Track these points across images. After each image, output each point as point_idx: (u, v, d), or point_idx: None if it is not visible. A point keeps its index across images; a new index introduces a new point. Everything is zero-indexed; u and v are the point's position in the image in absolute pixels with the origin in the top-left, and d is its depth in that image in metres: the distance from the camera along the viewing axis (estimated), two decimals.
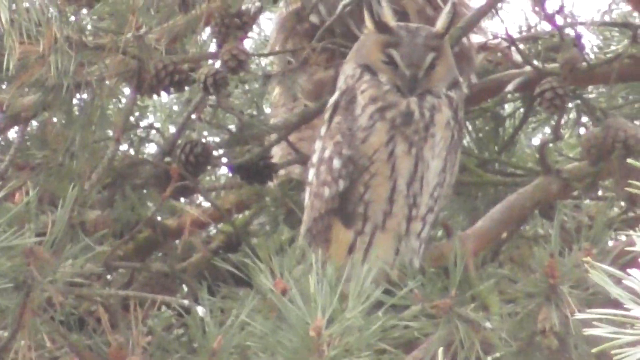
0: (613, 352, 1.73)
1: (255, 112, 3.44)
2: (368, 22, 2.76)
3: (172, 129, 3.48)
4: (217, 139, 3.37)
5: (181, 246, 3.29)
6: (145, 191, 3.21)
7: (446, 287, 2.48)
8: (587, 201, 3.15)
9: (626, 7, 3.59)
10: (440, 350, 1.99)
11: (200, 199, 3.47)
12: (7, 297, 2.48)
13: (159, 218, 3.29)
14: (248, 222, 3.41)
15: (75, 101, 3.02)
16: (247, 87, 3.47)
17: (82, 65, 2.90)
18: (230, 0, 2.99)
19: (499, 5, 3.31)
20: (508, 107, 3.51)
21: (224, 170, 3.55)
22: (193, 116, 3.24)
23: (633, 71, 3.18)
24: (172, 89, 3.03)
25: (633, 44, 3.15)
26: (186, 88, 3.06)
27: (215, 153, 3.20)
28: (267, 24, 3.66)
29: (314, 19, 3.29)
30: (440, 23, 2.75)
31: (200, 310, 2.57)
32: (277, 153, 3.39)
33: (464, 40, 3.25)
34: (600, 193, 3.27)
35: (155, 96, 3.08)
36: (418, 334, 2.49)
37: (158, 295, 2.84)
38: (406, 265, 2.67)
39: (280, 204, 3.33)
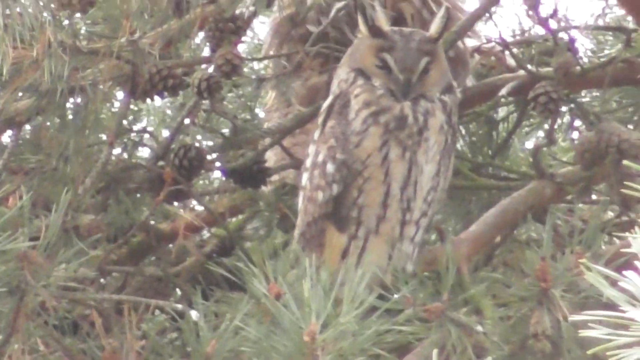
0: (609, 353, 1.73)
1: (249, 117, 3.44)
2: (362, 27, 2.75)
3: (166, 133, 3.48)
4: (211, 143, 3.37)
5: (175, 250, 3.28)
6: (138, 195, 3.21)
7: (438, 291, 2.48)
8: (580, 205, 3.15)
9: (620, 11, 3.60)
10: (435, 352, 1.98)
11: (193, 203, 3.46)
12: (1, 302, 2.48)
13: (152, 222, 3.28)
14: (242, 226, 3.40)
15: (69, 105, 3.02)
16: (240, 91, 3.47)
17: (76, 70, 2.90)
18: (224, 4, 2.99)
19: (493, 9, 3.32)
20: (502, 111, 3.51)
21: (217, 174, 3.55)
22: (187, 120, 3.24)
23: (627, 75, 3.18)
24: (166, 94, 3.03)
25: (627, 48, 3.15)
26: (180, 92, 3.06)
27: (208, 157, 3.20)
28: (261, 28, 3.67)
29: (313, 29, 3.29)
30: (434, 27, 2.74)
31: (194, 314, 2.57)
32: (271, 157, 3.39)
33: (459, 44, 3.25)
34: (593, 197, 3.27)
35: (148, 100, 3.08)
36: (411, 338, 2.49)
37: (152, 300, 2.83)
38: (399, 269, 2.66)
39: (274, 208, 3.32)
